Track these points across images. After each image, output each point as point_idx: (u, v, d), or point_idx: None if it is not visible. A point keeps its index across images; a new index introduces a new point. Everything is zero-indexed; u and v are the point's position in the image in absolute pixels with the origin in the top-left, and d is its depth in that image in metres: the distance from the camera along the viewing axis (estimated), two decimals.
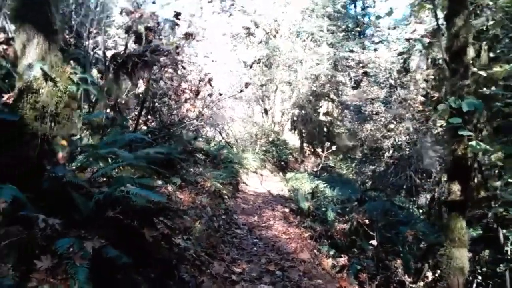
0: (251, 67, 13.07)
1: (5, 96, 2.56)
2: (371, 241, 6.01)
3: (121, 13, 7.39)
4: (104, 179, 3.15)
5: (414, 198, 16.21)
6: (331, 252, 6.74)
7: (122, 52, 4.77)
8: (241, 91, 9.42)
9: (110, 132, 5.15)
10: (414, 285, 4.63)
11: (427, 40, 7.12)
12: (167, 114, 8.71)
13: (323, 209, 9.42)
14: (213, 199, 8.11)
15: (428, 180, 17.33)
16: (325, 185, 13.19)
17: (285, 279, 5.31)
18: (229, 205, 9.21)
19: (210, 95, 8.98)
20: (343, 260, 6.33)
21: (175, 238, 3.99)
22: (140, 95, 7.17)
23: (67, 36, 5.88)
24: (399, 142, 18.48)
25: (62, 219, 2.53)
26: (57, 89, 2.53)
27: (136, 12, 5.63)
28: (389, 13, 6.13)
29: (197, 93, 7.86)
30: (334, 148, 19.13)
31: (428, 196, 16.45)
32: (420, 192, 17.19)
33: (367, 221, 7.12)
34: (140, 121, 8.57)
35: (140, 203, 2.73)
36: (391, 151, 18.78)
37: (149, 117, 8.51)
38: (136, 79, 4.21)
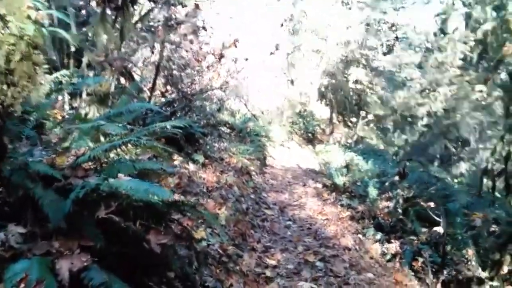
0: (282, 25, 12.00)
1: None
2: (435, 228, 5.11)
3: None
4: (96, 165, 2.33)
5: (449, 168, 15.28)
6: (378, 236, 5.86)
7: None
8: (271, 53, 8.49)
9: (118, 103, 4.33)
10: (493, 283, 3.73)
11: None
12: (188, 84, 7.86)
13: (359, 184, 8.60)
14: (239, 176, 7.33)
15: (465, 149, 16.31)
16: (360, 157, 12.39)
17: (328, 273, 4.48)
18: (257, 182, 8.45)
19: (235, 60, 8.05)
20: (393, 246, 5.47)
21: (196, 231, 3.19)
22: (155, 62, 6.35)
23: None
24: (435, 110, 17.48)
25: (30, 227, 1.74)
26: (8, 33, 1.66)
27: None
28: None
29: (220, 57, 6.97)
30: (369, 117, 18.13)
31: (465, 165, 15.51)
32: (456, 161, 16.25)
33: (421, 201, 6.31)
34: (158, 92, 7.78)
35: (141, 199, 1.90)
36: (425, 119, 17.82)
37: (168, 87, 7.69)
38: (130, 15, 3.30)
